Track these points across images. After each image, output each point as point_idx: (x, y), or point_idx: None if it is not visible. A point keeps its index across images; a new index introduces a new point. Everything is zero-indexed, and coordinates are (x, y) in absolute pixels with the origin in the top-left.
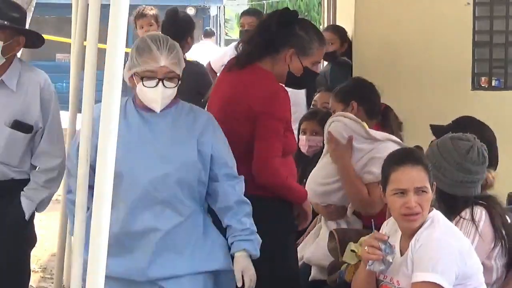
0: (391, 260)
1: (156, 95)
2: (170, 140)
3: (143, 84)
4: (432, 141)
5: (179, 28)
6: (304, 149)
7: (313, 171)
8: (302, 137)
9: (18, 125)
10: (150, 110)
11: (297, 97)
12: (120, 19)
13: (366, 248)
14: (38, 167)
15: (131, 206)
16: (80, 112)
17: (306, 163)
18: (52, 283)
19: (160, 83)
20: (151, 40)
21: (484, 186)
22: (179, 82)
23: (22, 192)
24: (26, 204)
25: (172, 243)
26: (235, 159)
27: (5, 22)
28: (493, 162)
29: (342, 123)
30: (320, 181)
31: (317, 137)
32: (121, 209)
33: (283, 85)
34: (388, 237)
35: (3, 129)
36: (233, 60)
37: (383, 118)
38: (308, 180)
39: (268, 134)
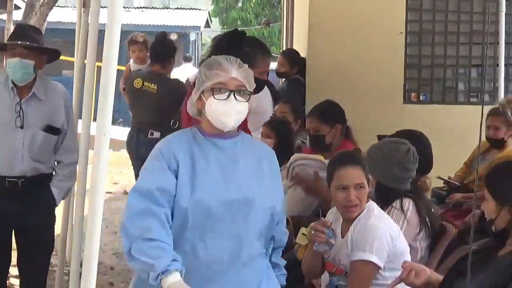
0: (333, 242)
1: (229, 108)
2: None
3: (213, 96)
4: (373, 144)
5: (166, 50)
6: None
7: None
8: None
9: (49, 129)
10: (220, 136)
11: (264, 105)
12: (113, 42)
13: (313, 232)
14: (62, 161)
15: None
16: (81, 118)
17: None
18: (57, 258)
19: (232, 96)
20: (219, 56)
21: (422, 189)
22: (249, 98)
23: (51, 183)
24: (56, 193)
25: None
26: None
27: (34, 44)
28: (429, 167)
29: (304, 164)
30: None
31: (268, 139)
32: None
33: None
34: (331, 223)
35: (38, 133)
36: None
37: (347, 133)
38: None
39: None
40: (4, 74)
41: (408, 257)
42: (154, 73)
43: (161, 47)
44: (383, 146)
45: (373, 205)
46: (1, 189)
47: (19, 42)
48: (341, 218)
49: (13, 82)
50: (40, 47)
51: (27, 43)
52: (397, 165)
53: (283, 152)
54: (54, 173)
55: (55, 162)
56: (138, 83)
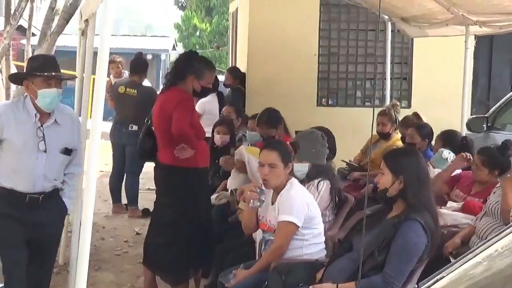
0: (263, 199)
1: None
2: None
3: None
4: (296, 136)
5: (141, 65)
6: (218, 143)
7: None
8: (217, 136)
9: (66, 151)
10: None
11: (212, 108)
12: (103, 61)
13: (248, 192)
14: (71, 173)
15: None
16: (80, 115)
17: (218, 150)
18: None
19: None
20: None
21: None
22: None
23: (62, 193)
24: (68, 202)
25: None
26: (164, 142)
27: (59, 74)
28: (334, 154)
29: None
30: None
31: (225, 136)
32: None
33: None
34: (261, 184)
35: (58, 156)
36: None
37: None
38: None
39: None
40: (21, 99)
41: (319, 220)
42: (134, 82)
43: (138, 63)
44: (306, 134)
45: (294, 181)
46: (21, 204)
47: (53, 74)
48: (270, 190)
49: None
50: (67, 77)
51: (61, 74)
52: (319, 143)
53: (232, 143)
54: (63, 183)
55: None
56: (121, 89)
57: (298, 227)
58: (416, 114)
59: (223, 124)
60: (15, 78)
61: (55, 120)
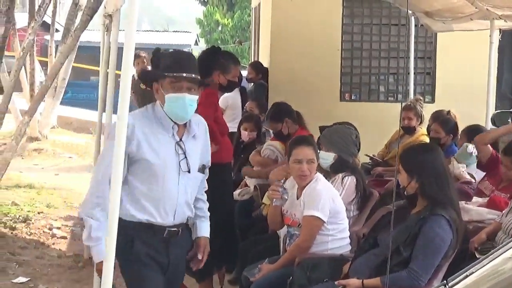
0: (286, 198)
1: None
2: None
3: None
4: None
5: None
6: (245, 139)
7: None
8: (244, 132)
9: (202, 168)
10: None
11: (235, 103)
12: (129, 57)
13: (271, 191)
14: (202, 199)
15: None
16: (105, 111)
17: (244, 147)
18: None
19: None
20: None
21: (357, 166)
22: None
23: (200, 217)
24: (207, 226)
25: None
26: None
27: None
28: (358, 148)
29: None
30: None
31: (252, 132)
32: None
33: (216, 91)
34: (284, 183)
35: (197, 175)
36: None
37: (300, 121)
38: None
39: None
40: (149, 108)
41: (344, 216)
42: None
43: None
44: (339, 130)
45: (320, 176)
46: (158, 241)
47: (184, 75)
48: (296, 184)
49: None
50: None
51: (193, 75)
52: (351, 141)
53: (259, 139)
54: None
55: None
56: (143, 85)
57: (324, 222)
58: (448, 112)
59: (251, 121)
60: (145, 79)
61: (192, 131)
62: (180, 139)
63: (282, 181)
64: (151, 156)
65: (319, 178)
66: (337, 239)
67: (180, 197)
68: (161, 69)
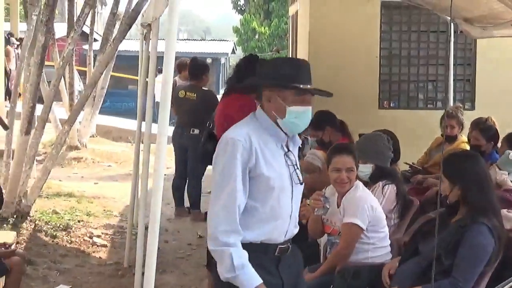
0: (327, 207)
1: None
2: None
3: None
4: (360, 138)
5: (198, 69)
6: None
7: None
8: None
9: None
10: None
11: None
12: (169, 65)
13: (312, 201)
14: None
15: None
16: (144, 120)
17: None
18: (127, 222)
19: None
20: None
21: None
22: None
23: None
24: None
25: None
26: None
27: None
28: (398, 157)
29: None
30: None
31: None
32: None
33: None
34: (324, 192)
35: (300, 188)
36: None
37: (343, 129)
38: None
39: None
40: (253, 117)
41: (385, 224)
42: (193, 86)
43: (196, 68)
44: (371, 136)
45: (359, 184)
46: (268, 261)
47: (309, 86)
48: (336, 192)
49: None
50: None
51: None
52: (384, 146)
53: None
54: None
55: None
56: (181, 93)
57: (363, 229)
58: (488, 119)
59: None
60: (249, 86)
61: (298, 141)
62: (288, 150)
63: (324, 190)
64: (268, 170)
65: (358, 186)
66: (377, 247)
67: (293, 211)
68: (279, 78)
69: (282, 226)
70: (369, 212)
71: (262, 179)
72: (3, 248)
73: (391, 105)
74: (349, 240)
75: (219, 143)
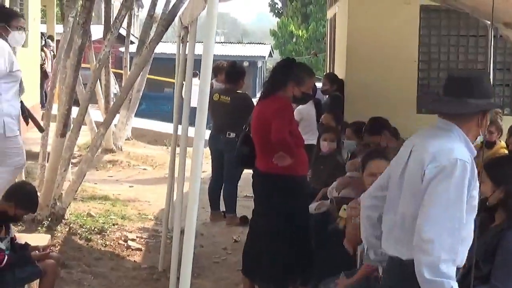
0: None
1: None
2: None
3: None
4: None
5: (236, 73)
6: (325, 150)
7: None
8: (324, 143)
9: None
10: None
11: (309, 115)
12: (207, 68)
13: (349, 208)
14: None
15: None
16: (180, 124)
17: (324, 158)
18: (161, 226)
19: None
20: None
21: None
22: None
23: None
24: None
25: None
26: (263, 150)
27: None
28: None
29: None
30: None
31: (332, 143)
32: None
33: (291, 103)
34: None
35: None
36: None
37: (396, 135)
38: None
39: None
40: (460, 141)
41: None
42: (228, 89)
43: (232, 71)
44: None
45: None
46: None
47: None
48: None
49: None
50: None
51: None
52: None
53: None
54: None
55: None
56: (216, 97)
57: None
58: None
59: (330, 131)
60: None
61: None
62: None
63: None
64: (475, 190)
65: None
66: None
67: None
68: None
69: (467, 248)
70: None
71: (471, 200)
72: (37, 251)
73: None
74: None
75: (440, 160)
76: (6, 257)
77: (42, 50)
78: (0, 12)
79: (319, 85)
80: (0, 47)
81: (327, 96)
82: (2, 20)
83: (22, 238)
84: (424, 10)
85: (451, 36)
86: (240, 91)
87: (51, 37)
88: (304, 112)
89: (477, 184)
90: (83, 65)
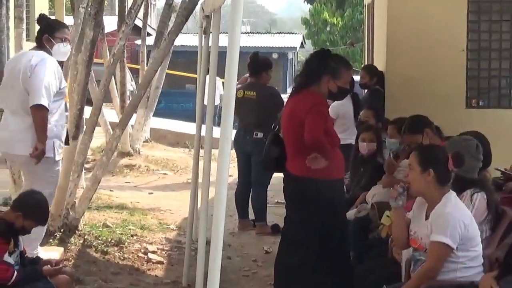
0: (400, 203)
1: None
2: None
3: None
4: (447, 141)
5: (258, 65)
6: (364, 151)
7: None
8: (363, 144)
9: None
10: None
11: (346, 112)
12: (233, 62)
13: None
14: None
15: None
16: (204, 123)
17: (364, 160)
18: (185, 237)
19: None
20: None
21: (487, 181)
22: None
23: None
24: None
25: None
26: (294, 151)
27: None
28: (489, 162)
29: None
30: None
31: (371, 143)
32: None
33: (326, 99)
34: (403, 184)
35: None
36: (293, 89)
37: (439, 133)
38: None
39: (313, 120)
40: None
41: (478, 242)
42: (252, 84)
43: (255, 64)
44: (457, 143)
45: (452, 195)
46: None
47: None
48: (425, 203)
49: None
50: None
51: None
52: (470, 158)
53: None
54: None
55: None
56: (240, 93)
57: (452, 248)
58: None
59: (370, 131)
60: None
61: None
62: None
63: (415, 204)
64: None
65: (449, 199)
66: (467, 267)
67: None
68: None
69: None
70: (460, 230)
71: None
72: (49, 266)
73: (480, 104)
74: (437, 260)
75: None
76: (15, 273)
77: None
78: (43, 23)
79: (356, 78)
80: (50, 64)
81: (365, 90)
82: (46, 31)
83: None
84: None
85: (504, 22)
86: (267, 85)
87: None
88: (341, 108)
89: None
90: (95, 60)
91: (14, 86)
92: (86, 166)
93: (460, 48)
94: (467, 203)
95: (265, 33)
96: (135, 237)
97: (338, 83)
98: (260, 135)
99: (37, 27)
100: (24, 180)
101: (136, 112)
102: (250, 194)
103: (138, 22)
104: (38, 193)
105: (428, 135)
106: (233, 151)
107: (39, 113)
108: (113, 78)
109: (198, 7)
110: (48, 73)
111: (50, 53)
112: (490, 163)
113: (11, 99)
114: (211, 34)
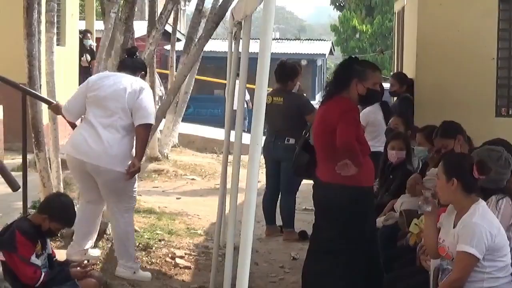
0: (425, 208)
1: None
2: None
3: None
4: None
5: (285, 73)
6: (393, 159)
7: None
8: (392, 152)
9: None
10: None
11: (376, 119)
12: (264, 68)
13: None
14: None
15: None
16: (233, 129)
17: (393, 168)
18: (212, 242)
19: None
20: None
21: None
22: None
23: None
24: None
25: None
26: (325, 158)
27: None
28: None
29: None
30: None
31: (401, 151)
32: None
33: (357, 105)
34: (431, 189)
35: None
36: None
37: (469, 142)
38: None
39: (345, 126)
40: None
41: (507, 252)
42: (279, 90)
43: (283, 72)
44: (484, 152)
45: (480, 204)
46: None
47: None
48: (455, 212)
49: None
50: None
51: None
52: (500, 168)
53: (408, 159)
54: None
55: None
56: (268, 99)
57: (478, 259)
58: None
59: (399, 138)
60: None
61: None
62: None
63: (446, 212)
64: None
65: (477, 209)
66: (494, 277)
67: None
68: None
69: None
70: (487, 241)
71: None
72: (78, 268)
73: (510, 112)
74: (463, 270)
75: None
76: (42, 275)
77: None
78: (139, 63)
79: (386, 86)
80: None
81: (395, 98)
82: (143, 69)
83: (61, 254)
84: (504, 1)
85: None
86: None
87: (88, 31)
88: (371, 116)
89: None
90: None
91: (117, 103)
92: None
93: (490, 56)
94: (493, 209)
95: (294, 39)
96: (162, 242)
97: (366, 85)
98: (292, 141)
99: (68, 31)
100: (103, 195)
101: (165, 117)
102: (278, 201)
103: (168, 27)
104: (64, 195)
105: (459, 141)
106: (261, 156)
107: (146, 132)
108: None
109: (228, 13)
110: (152, 97)
111: None
112: None
113: (107, 115)
114: (241, 40)
